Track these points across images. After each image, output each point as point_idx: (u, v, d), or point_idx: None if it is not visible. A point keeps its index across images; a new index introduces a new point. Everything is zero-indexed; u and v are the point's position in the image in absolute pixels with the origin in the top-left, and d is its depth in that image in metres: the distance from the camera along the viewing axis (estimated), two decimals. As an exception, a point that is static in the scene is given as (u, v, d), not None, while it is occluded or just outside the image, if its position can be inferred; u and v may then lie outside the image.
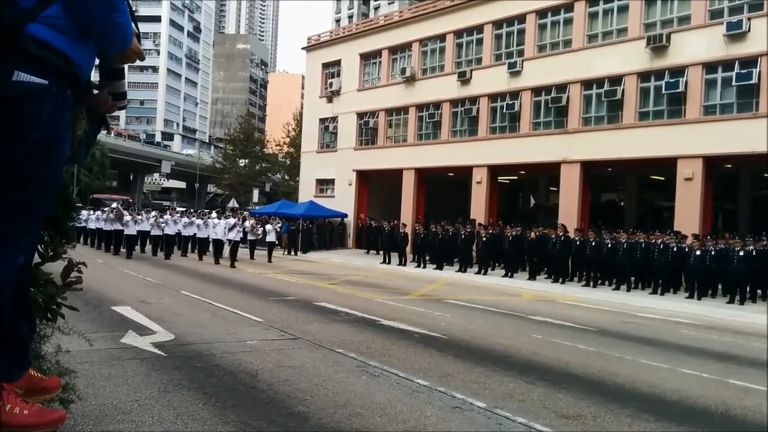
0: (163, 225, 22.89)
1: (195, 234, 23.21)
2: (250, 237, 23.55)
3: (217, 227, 21.78)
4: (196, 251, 23.34)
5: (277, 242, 26.23)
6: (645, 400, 5.95)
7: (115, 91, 1.68)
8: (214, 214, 24.79)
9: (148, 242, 24.05)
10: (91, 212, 27.16)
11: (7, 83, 1.31)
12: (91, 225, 26.07)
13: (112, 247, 23.20)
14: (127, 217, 22.35)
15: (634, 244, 18.24)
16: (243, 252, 23.17)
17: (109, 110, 1.72)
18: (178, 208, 29.41)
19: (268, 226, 25.08)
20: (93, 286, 11.10)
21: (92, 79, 1.65)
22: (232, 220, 22.13)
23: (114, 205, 25.49)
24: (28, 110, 1.34)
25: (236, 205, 45.16)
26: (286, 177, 59.73)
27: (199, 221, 23.40)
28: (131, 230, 22.20)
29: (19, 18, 1.30)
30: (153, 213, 24.79)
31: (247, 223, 23.41)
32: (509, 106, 26.34)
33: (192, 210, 32.38)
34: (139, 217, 23.19)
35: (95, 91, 1.67)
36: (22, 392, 1.60)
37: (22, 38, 1.31)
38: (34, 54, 1.33)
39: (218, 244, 21.79)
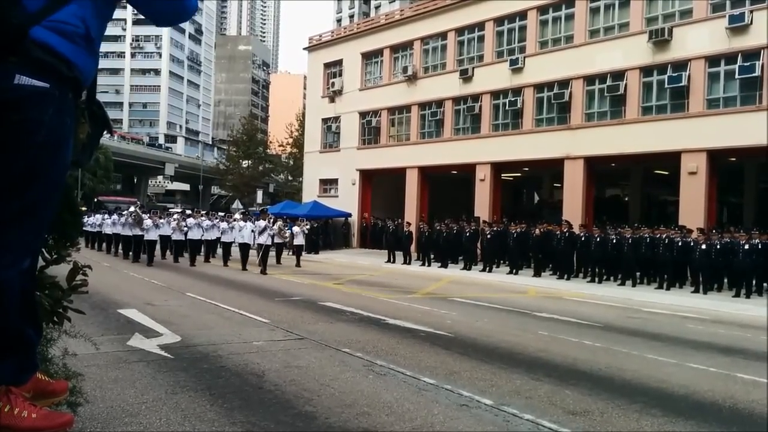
0: (185, 229, 21.14)
1: (219, 238, 21.82)
2: (277, 240, 21.32)
3: (243, 230, 20.41)
4: (216, 256, 22.22)
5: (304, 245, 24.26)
6: (652, 396, 5.93)
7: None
8: (238, 216, 23.34)
9: (165, 247, 22.19)
10: (107, 216, 25.20)
11: (9, 86, 1.31)
12: (107, 230, 24.15)
13: (131, 253, 20.93)
14: (148, 222, 20.40)
15: (639, 239, 18.21)
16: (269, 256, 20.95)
17: None
18: (201, 211, 27.82)
19: (296, 228, 23.23)
20: (99, 289, 11.12)
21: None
22: (261, 223, 20.45)
23: (132, 209, 23.30)
24: (30, 114, 1.34)
25: (241, 206, 45.08)
26: (290, 177, 59.80)
27: (223, 224, 22.00)
28: (151, 235, 20.26)
29: (24, 21, 1.30)
30: (175, 216, 22.72)
31: (276, 226, 21.24)
32: (512, 102, 26.30)
33: (215, 212, 31.16)
34: (161, 221, 21.26)
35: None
36: (29, 396, 1.60)
37: (26, 41, 1.31)
38: (36, 57, 1.33)
39: (245, 248, 20.06)
